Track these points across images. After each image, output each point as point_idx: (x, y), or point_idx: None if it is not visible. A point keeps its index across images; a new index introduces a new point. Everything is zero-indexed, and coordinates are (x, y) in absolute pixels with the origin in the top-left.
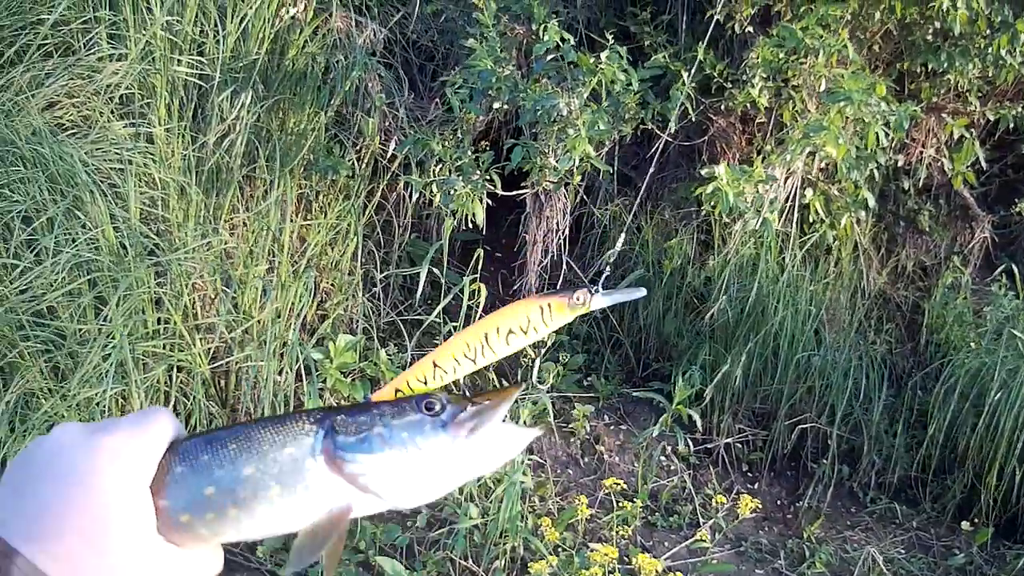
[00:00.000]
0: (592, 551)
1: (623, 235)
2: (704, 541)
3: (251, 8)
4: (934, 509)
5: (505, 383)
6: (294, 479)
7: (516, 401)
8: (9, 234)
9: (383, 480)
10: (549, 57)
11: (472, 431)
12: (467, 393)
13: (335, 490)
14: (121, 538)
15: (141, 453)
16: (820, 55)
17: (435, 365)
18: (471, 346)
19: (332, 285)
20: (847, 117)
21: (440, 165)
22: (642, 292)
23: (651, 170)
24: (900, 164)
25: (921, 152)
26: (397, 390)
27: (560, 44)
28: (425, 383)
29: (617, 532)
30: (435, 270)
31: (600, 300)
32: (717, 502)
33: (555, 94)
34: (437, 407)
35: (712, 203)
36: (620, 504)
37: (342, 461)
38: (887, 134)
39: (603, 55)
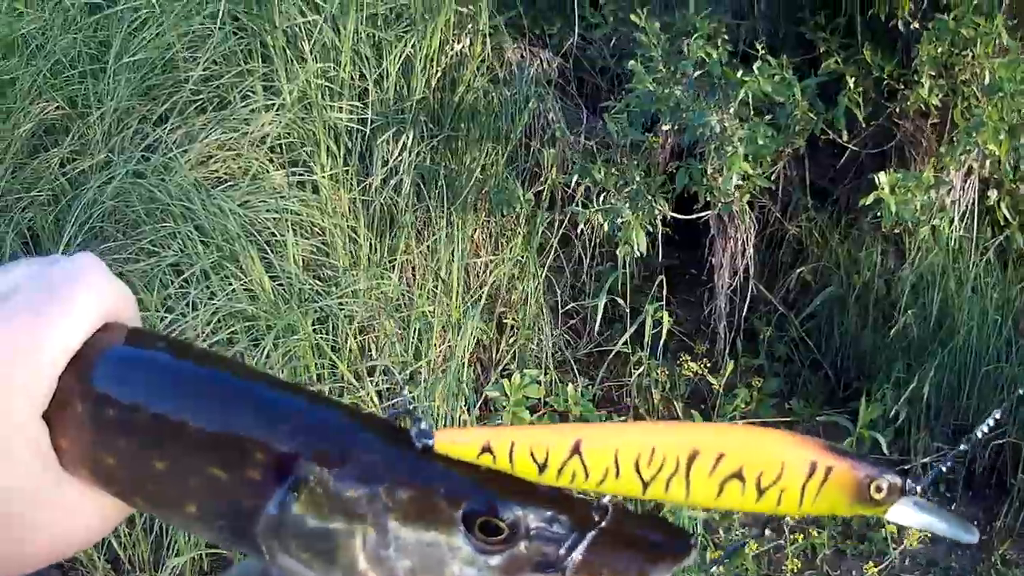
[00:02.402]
0: None
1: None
2: (873, 575)
3: (409, 47)
4: None
5: None
6: (218, 513)
7: None
8: (155, 285)
9: None
10: (696, 73)
11: None
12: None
13: (270, 555)
14: (9, 487)
15: (30, 369)
16: (978, 46)
17: (577, 452)
18: (655, 459)
19: (516, 319)
20: (1012, 110)
21: (604, 193)
22: (973, 536)
23: (848, 180)
24: None
25: None
26: (485, 448)
27: (706, 59)
28: (540, 468)
29: (792, 565)
30: (620, 300)
31: (907, 512)
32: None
33: (707, 110)
34: (504, 531)
35: (876, 214)
36: (792, 537)
37: (282, 552)
38: None
39: (755, 66)
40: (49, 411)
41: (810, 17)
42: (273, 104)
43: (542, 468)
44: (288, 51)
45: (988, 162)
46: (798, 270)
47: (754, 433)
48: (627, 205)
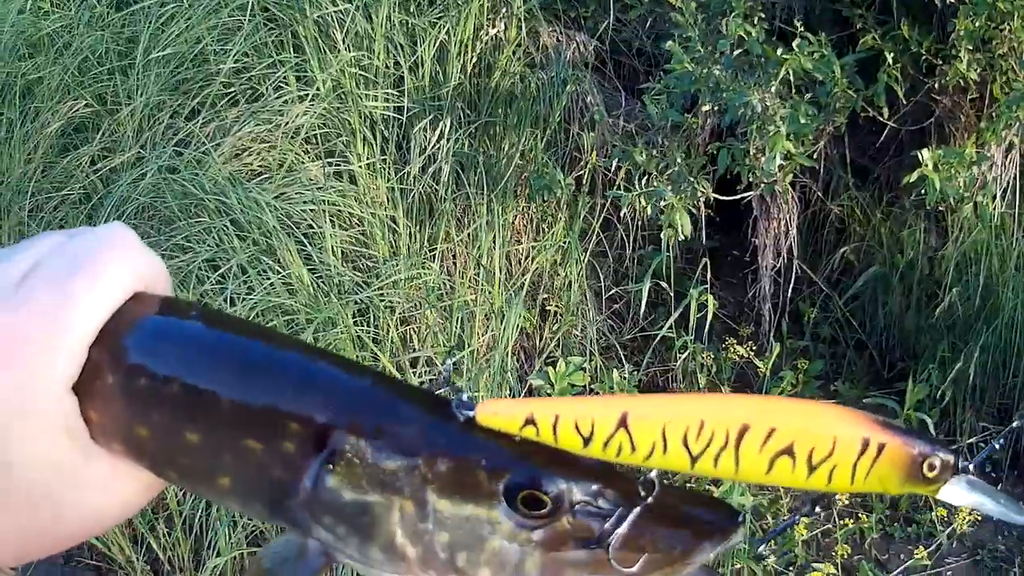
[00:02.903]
0: (814, 571)
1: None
2: (923, 559)
3: (444, 33)
4: None
5: None
6: (252, 487)
7: None
8: (192, 281)
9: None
10: (736, 52)
11: None
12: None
13: (306, 528)
14: (39, 462)
15: (57, 343)
16: (1015, 19)
17: (624, 425)
18: (704, 433)
19: (559, 306)
20: None
21: (647, 177)
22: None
23: (888, 157)
24: None
25: None
26: (528, 420)
27: (744, 38)
28: (585, 441)
29: (841, 550)
30: (664, 284)
31: (959, 491)
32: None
33: (747, 89)
34: (547, 504)
35: (921, 192)
36: (842, 522)
37: (318, 525)
38: None
39: (795, 43)
40: (80, 383)
41: None
42: (307, 95)
43: (587, 441)
44: (320, 41)
45: (1016, 138)
46: (841, 250)
47: (806, 407)
48: (669, 188)
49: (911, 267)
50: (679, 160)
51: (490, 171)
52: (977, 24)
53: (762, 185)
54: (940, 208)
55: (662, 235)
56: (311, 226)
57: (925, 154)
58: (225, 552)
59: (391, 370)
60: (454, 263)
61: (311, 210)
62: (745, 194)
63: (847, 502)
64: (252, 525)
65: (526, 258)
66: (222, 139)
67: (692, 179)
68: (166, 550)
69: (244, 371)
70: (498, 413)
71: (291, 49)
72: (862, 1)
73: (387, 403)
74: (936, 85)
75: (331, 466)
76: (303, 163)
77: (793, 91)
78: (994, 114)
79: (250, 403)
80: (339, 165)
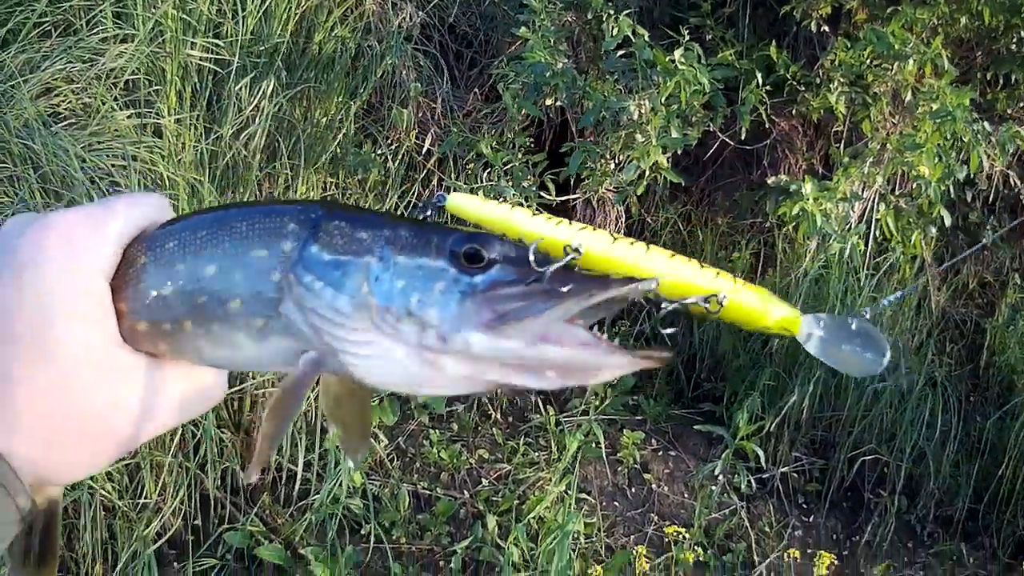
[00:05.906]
0: None
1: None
2: None
3: None
4: (992, 545)
5: None
6: (258, 295)
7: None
8: None
9: (342, 339)
10: (619, 53)
11: (521, 320)
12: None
13: (301, 327)
14: (70, 342)
15: (99, 237)
16: (910, 62)
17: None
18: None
19: None
20: (945, 135)
21: (489, 169)
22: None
23: (708, 174)
24: (963, 176)
25: (992, 164)
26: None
27: (632, 38)
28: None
29: None
30: None
31: (816, 329)
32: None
33: (624, 96)
34: (484, 258)
35: (794, 224)
36: (668, 546)
37: (298, 285)
38: (988, 156)
39: (677, 54)
40: (114, 280)
41: (693, 2)
42: (124, 35)
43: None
44: None
45: (880, 178)
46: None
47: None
48: (510, 184)
49: None
50: (520, 155)
51: (303, 141)
52: (863, 59)
53: (603, 192)
54: (771, 232)
55: None
56: (115, 183)
57: (808, 187)
58: None
59: None
60: None
61: (121, 165)
62: (570, 196)
63: (673, 532)
64: None
65: None
66: (30, 74)
67: (533, 177)
68: None
69: (248, 208)
70: (464, 202)
71: None
72: (711, 11)
73: (364, 210)
74: (796, 111)
75: (315, 237)
76: (112, 111)
77: (662, 101)
78: (863, 150)
79: (254, 222)
80: (149, 117)
